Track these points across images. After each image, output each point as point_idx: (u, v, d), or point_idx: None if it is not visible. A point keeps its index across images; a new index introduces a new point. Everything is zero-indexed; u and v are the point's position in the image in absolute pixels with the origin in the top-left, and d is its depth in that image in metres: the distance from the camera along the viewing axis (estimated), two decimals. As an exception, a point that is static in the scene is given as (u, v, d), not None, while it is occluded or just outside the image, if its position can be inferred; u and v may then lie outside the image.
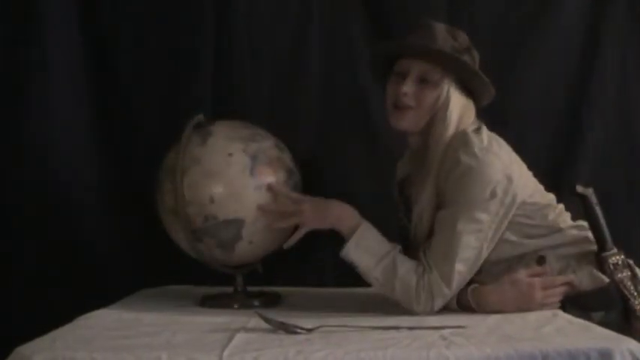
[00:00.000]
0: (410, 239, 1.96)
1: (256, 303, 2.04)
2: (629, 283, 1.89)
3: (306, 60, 2.49)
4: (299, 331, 1.63)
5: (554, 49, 2.48)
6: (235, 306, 2.02)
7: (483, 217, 1.84)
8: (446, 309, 1.85)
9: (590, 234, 1.94)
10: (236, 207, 1.94)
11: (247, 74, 2.48)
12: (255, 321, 1.72)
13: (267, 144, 2.02)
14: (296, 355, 1.45)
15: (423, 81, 1.92)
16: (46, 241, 2.43)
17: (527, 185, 1.93)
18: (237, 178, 1.94)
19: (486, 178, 1.84)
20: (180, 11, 2.46)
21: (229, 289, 2.10)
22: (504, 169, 1.86)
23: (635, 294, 1.88)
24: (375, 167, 2.43)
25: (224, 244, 1.97)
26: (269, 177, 1.96)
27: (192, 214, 1.94)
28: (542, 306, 1.84)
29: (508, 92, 2.37)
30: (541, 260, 1.90)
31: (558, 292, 1.87)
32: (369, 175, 2.45)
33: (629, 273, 1.90)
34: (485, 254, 1.86)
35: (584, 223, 1.96)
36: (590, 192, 1.94)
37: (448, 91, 1.91)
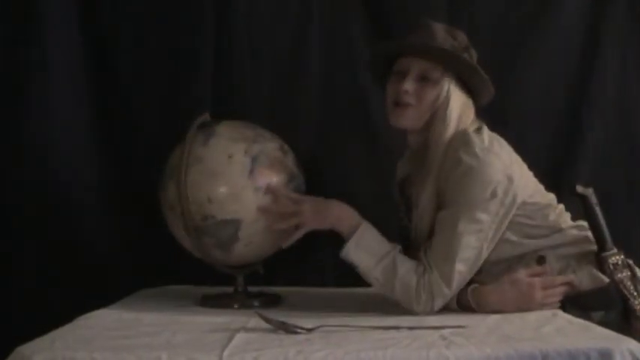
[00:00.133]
0: (410, 239, 1.96)
1: (256, 303, 2.03)
2: (628, 283, 1.89)
3: (306, 60, 2.49)
4: (299, 331, 1.62)
5: (554, 49, 2.48)
6: (235, 306, 2.02)
7: (484, 217, 1.84)
8: (446, 309, 1.85)
9: (590, 234, 1.94)
10: (235, 207, 1.94)
11: (247, 74, 2.48)
12: (255, 321, 1.72)
13: (271, 146, 2.02)
14: (296, 355, 1.45)
15: (423, 79, 1.92)
16: (46, 241, 2.43)
17: (527, 185, 1.93)
18: (236, 179, 1.94)
19: (487, 179, 1.84)
20: (180, 11, 2.46)
21: (229, 289, 2.10)
22: (505, 170, 1.86)
23: (635, 294, 1.88)
24: (375, 167, 2.43)
25: (222, 244, 1.97)
26: (269, 179, 1.96)
27: (193, 212, 1.95)
28: (542, 306, 1.84)
29: (508, 92, 2.37)
30: (541, 260, 1.90)
31: (558, 292, 1.87)
32: (369, 175, 2.45)
33: (629, 273, 1.90)
34: (485, 254, 1.86)
35: (584, 223, 1.96)
36: (590, 192, 1.94)
37: (448, 89, 1.91)
